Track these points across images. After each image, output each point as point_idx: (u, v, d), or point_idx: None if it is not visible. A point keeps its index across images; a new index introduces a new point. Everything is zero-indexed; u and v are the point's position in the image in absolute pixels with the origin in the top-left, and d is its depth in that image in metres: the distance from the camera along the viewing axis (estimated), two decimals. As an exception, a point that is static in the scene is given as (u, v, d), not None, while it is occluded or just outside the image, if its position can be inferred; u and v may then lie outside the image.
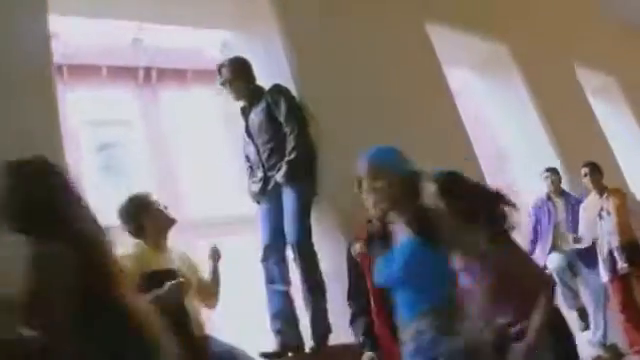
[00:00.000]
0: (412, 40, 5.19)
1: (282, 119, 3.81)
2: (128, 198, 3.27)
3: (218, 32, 4.73)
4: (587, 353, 5.53)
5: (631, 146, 8.40)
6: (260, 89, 4.00)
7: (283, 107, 3.81)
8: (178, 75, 17.40)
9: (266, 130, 3.85)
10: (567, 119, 6.82)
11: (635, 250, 5.35)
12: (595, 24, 9.24)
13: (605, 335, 5.54)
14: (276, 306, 3.75)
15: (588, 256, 5.66)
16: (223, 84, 3.99)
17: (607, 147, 7.49)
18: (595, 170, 5.61)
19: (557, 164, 6.15)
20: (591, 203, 5.57)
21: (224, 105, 17.60)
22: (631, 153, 8.10)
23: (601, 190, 5.57)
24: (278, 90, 3.93)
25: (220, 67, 3.99)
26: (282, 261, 3.82)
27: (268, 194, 3.89)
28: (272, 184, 3.84)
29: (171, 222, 3.29)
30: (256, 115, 3.91)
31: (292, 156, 3.72)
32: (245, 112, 4.02)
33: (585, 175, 5.59)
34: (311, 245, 3.71)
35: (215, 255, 3.50)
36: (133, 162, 14.93)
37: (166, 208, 3.30)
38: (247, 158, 4.09)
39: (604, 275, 5.49)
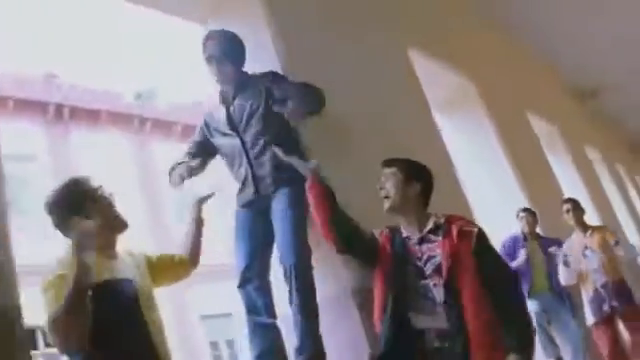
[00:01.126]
0: (394, 59, 4.78)
1: (292, 92, 3.10)
2: (64, 183, 2.40)
3: (191, 24, 3.92)
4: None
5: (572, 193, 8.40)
6: (249, 75, 3.30)
7: (293, 84, 3.18)
8: (92, 115, 16.59)
9: (260, 118, 3.12)
10: (529, 163, 6.69)
11: (622, 288, 5.02)
12: (544, 79, 9.59)
13: (586, 387, 5.12)
14: (261, 343, 2.99)
15: (565, 301, 5.32)
16: (208, 60, 3.22)
17: (560, 192, 7.38)
18: (577, 206, 5.34)
19: (524, 205, 5.84)
20: (574, 241, 5.23)
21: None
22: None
23: (584, 227, 5.27)
24: (276, 73, 3.28)
25: (207, 39, 3.24)
26: (266, 286, 3.07)
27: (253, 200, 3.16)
28: (262, 186, 3.11)
29: (122, 224, 2.47)
30: (246, 101, 3.18)
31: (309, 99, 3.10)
32: (227, 99, 3.28)
33: (567, 211, 5.27)
34: (311, 266, 2.97)
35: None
36: (35, 199, 13.66)
37: (112, 196, 2.48)
38: (199, 154, 3.28)
39: (590, 317, 5.11)
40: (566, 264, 5.02)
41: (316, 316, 2.96)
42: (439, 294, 2.53)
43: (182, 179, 3.07)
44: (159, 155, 17.39)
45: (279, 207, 3.04)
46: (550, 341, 5.16)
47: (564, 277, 5.08)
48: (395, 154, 3.84)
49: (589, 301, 5.10)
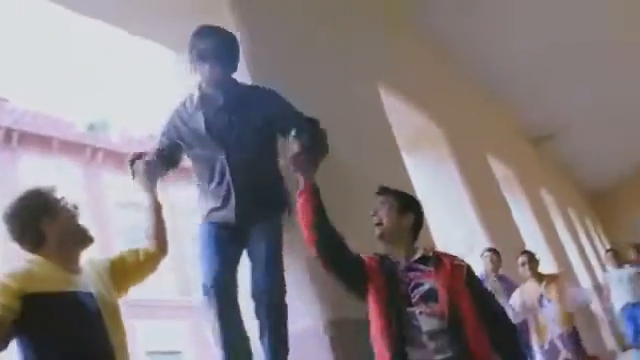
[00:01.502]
0: (365, 94, 4.76)
1: (291, 121, 2.88)
2: (25, 193, 2.27)
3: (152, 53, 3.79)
4: None
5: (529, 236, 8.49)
6: (238, 83, 3.05)
7: (293, 111, 2.99)
8: (42, 142, 16.22)
9: (254, 142, 2.92)
10: (490, 205, 6.74)
11: (575, 338, 5.15)
12: (502, 123, 9.83)
13: None
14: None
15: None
16: (199, 57, 2.90)
17: (519, 234, 7.45)
18: (532, 259, 5.44)
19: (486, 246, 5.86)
20: (530, 289, 5.29)
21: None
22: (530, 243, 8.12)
23: (539, 278, 5.36)
24: (276, 96, 3.04)
25: (201, 34, 2.94)
26: (238, 314, 2.84)
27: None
28: (244, 215, 2.90)
29: (85, 237, 2.32)
30: (238, 116, 2.93)
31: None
32: (212, 104, 2.96)
33: (523, 264, 5.38)
34: (284, 302, 2.83)
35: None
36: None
37: (76, 208, 2.34)
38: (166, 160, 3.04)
39: None
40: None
41: (287, 352, 2.83)
42: (424, 323, 2.44)
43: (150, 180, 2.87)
44: (110, 186, 17.23)
45: (258, 240, 2.90)
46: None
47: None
48: (361, 190, 3.82)
49: (544, 352, 5.17)
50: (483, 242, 5.97)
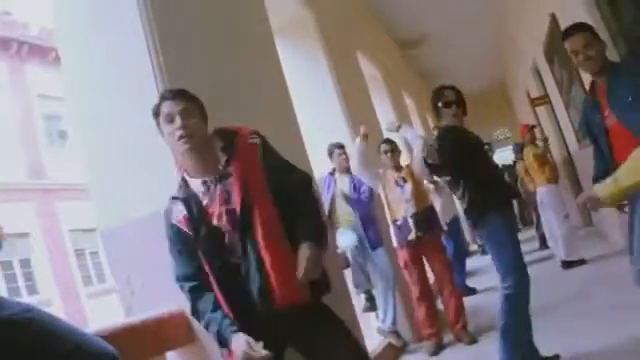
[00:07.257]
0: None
1: None
2: None
3: None
4: (377, 341, 5.24)
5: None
6: None
7: None
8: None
9: None
10: (355, 100, 6.69)
11: (429, 218, 5.35)
12: (373, 23, 9.85)
13: (395, 321, 5.27)
14: None
15: (374, 234, 5.40)
16: None
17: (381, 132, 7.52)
18: (396, 148, 5.49)
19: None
20: (389, 176, 5.43)
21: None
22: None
23: (400, 169, 5.46)
24: None
25: None
26: None
27: None
28: None
29: None
30: None
31: None
32: None
33: (386, 152, 5.42)
34: None
35: None
36: None
37: None
38: None
39: (395, 242, 5.45)
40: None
41: None
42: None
43: None
44: (33, 79, 17.61)
45: None
46: (364, 275, 5.17)
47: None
48: (235, 79, 3.58)
49: (397, 226, 5.34)
50: (346, 136, 5.93)
